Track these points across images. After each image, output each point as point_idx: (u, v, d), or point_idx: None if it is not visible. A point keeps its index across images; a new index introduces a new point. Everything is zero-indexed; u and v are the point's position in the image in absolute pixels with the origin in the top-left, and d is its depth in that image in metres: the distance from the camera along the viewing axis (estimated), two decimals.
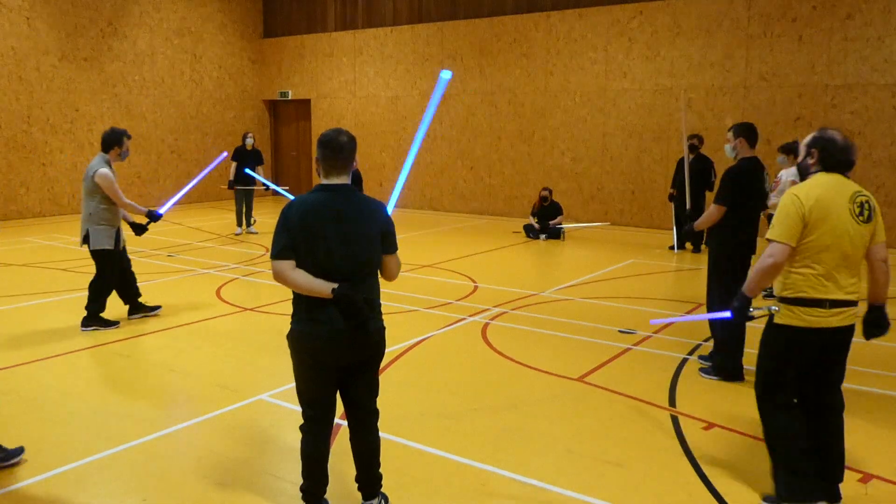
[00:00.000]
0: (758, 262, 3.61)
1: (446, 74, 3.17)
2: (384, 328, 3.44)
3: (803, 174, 3.94)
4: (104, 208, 6.69)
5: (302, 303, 3.32)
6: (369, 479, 3.55)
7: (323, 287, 3.18)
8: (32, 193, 14.88)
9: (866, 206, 3.57)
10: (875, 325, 3.71)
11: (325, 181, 3.33)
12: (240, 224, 13.00)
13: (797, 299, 3.58)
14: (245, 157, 12.91)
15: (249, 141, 13.08)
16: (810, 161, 3.71)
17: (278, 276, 3.25)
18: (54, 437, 4.53)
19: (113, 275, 6.92)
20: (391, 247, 3.38)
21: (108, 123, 15.92)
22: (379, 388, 3.56)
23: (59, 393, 5.28)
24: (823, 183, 3.58)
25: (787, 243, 3.52)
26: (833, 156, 3.62)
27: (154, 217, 7.05)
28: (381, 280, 3.45)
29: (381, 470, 3.60)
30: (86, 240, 6.74)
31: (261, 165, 12.91)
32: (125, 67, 16.22)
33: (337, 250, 3.20)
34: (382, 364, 5.66)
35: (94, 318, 6.87)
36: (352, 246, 3.22)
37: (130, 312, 7.29)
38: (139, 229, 7.10)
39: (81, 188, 6.82)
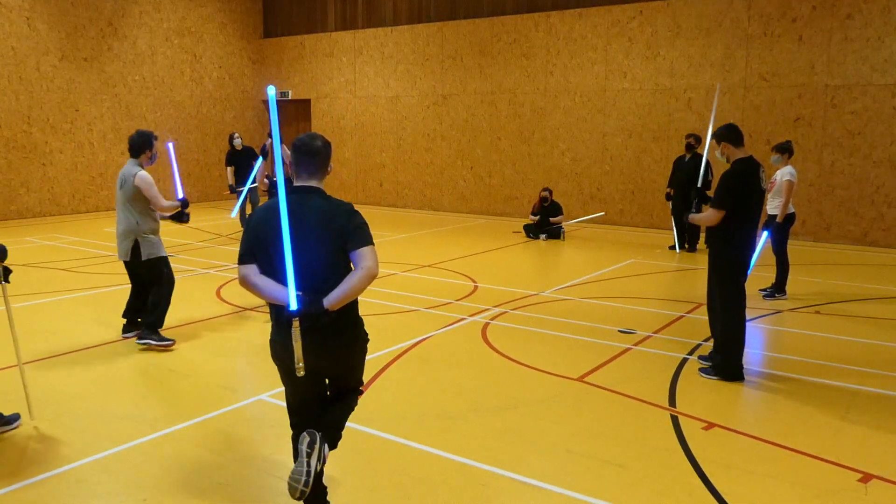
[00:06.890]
0: None
1: (271, 90, 3.16)
2: (353, 334, 3.30)
3: None
4: (147, 216, 6.29)
5: (272, 310, 3.28)
6: (325, 422, 3.41)
7: (281, 298, 3.07)
8: (32, 193, 14.87)
9: None
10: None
11: (295, 183, 3.29)
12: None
13: None
14: (237, 157, 12.89)
15: (238, 141, 13.04)
16: None
17: (240, 282, 3.21)
18: (54, 437, 4.53)
19: (171, 280, 6.50)
20: (358, 242, 3.11)
21: (108, 123, 15.95)
22: (360, 380, 3.47)
23: (60, 393, 5.29)
24: None
25: None
26: None
27: (185, 203, 6.57)
28: (367, 280, 3.11)
29: (341, 435, 3.49)
30: (135, 252, 6.26)
31: (262, 159, 11.41)
32: (125, 67, 16.21)
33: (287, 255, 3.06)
34: (383, 364, 5.69)
35: (152, 331, 6.33)
36: (301, 252, 3.07)
37: (125, 330, 6.69)
38: (181, 217, 6.59)
39: (116, 199, 6.39)
